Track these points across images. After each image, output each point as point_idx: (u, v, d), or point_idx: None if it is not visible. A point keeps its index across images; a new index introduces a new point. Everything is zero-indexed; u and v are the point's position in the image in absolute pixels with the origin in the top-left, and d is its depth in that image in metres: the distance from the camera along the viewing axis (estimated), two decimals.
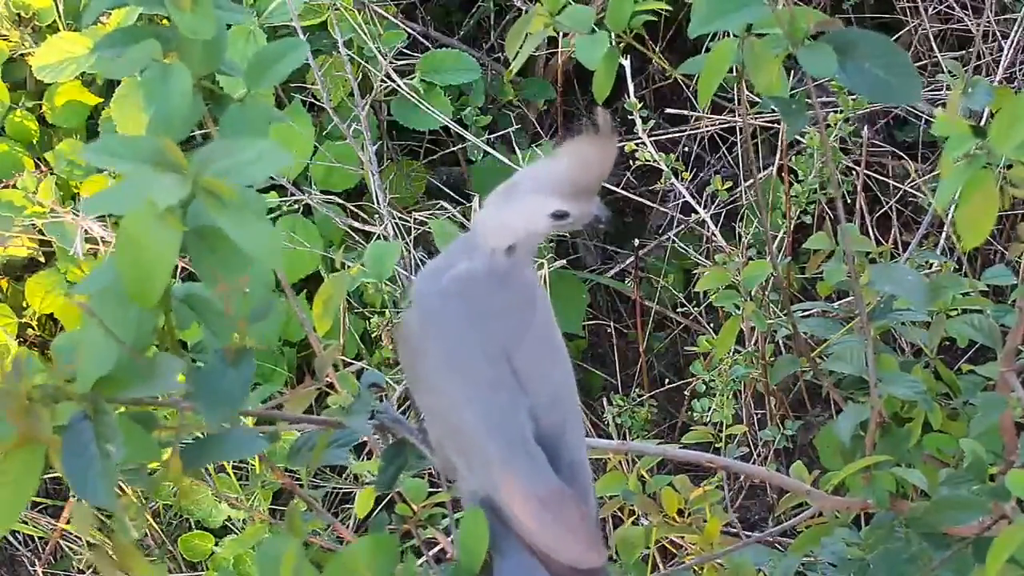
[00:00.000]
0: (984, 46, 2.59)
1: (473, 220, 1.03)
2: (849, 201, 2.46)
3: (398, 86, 2.42)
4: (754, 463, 2.26)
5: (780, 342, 2.36)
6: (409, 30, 2.55)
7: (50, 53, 2.34)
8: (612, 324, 2.70)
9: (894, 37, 2.63)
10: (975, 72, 2.55)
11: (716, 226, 2.31)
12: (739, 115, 2.57)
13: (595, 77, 1.37)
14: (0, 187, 2.33)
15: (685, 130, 2.67)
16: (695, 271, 2.51)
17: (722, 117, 2.62)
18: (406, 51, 2.49)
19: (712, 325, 2.50)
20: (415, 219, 2.31)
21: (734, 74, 1.27)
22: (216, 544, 2.28)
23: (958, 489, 1.27)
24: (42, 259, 2.42)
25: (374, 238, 2.32)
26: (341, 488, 2.36)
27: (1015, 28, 2.47)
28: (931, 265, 2.00)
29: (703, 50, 2.28)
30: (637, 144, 2.19)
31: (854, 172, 2.41)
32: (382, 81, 2.40)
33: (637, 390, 2.50)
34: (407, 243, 2.28)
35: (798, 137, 2.29)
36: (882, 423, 1.39)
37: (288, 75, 1.08)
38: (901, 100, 1.87)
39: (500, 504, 1.01)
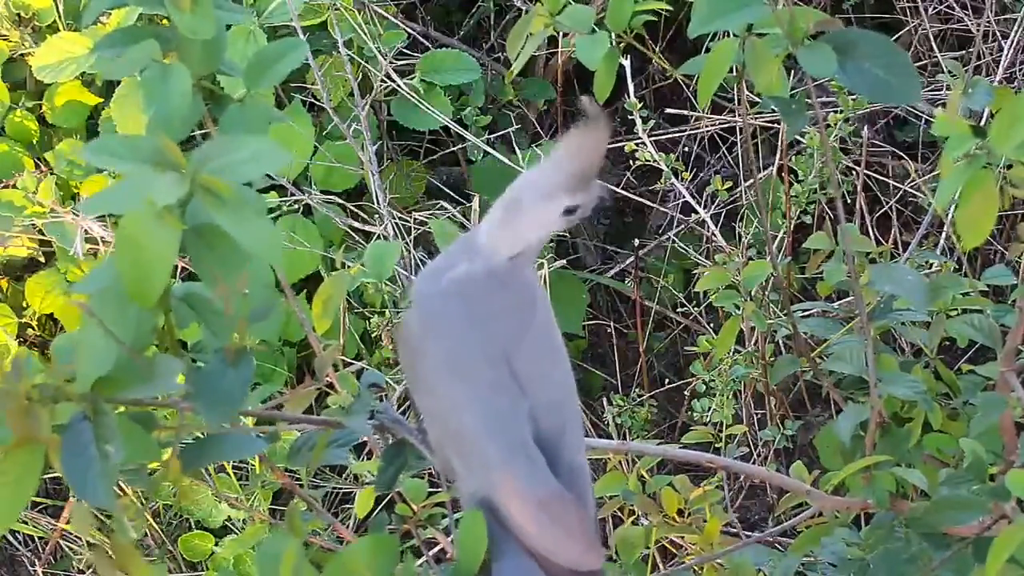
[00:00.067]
0: (984, 46, 2.58)
1: (473, 221, 1.03)
2: (849, 201, 2.46)
3: (398, 86, 2.42)
4: (754, 463, 2.26)
5: (780, 342, 2.36)
6: (409, 30, 2.55)
7: (50, 53, 2.34)
8: (612, 324, 2.70)
9: (894, 37, 2.63)
10: (975, 72, 2.55)
11: (716, 226, 2.31)
12: (739, 115, 2.57)
13: (596, 77, 1.37)
14: (0, 187, 2.33)
15: (685, 130, 2.67)
16: (695, 271, 2.51)
17: (722, 117, 2.62)
18: (406, 51, 2.49)
19: (712, 325, 2.50)
20: (415, 219, 2.31)
21: (734, 74, 1.27)
22: (216, 544, 2.28)
23: (958, 489, 1.27)
24: (42, 259, 2.42)
25: (374, 238, 2.32)
26: (341, 488, 2.36)
27: (1015, 28, 2.47)
28: (931, 265, 1.99)
29: (703, 50, 2.28)
30: (637, 144, 2.19)
31: (854, 172, 2.41)
32: (382, 81, 2.40)
33: (637, 390, 2.50)
34: (407, 243, 2.28)
35: (798, 137, 2.29)
36: (882, 423, 1.38)
37: (288, 75, 1.08)
38: (901, 100, 1.87)
39: (498, 506, 1.01)
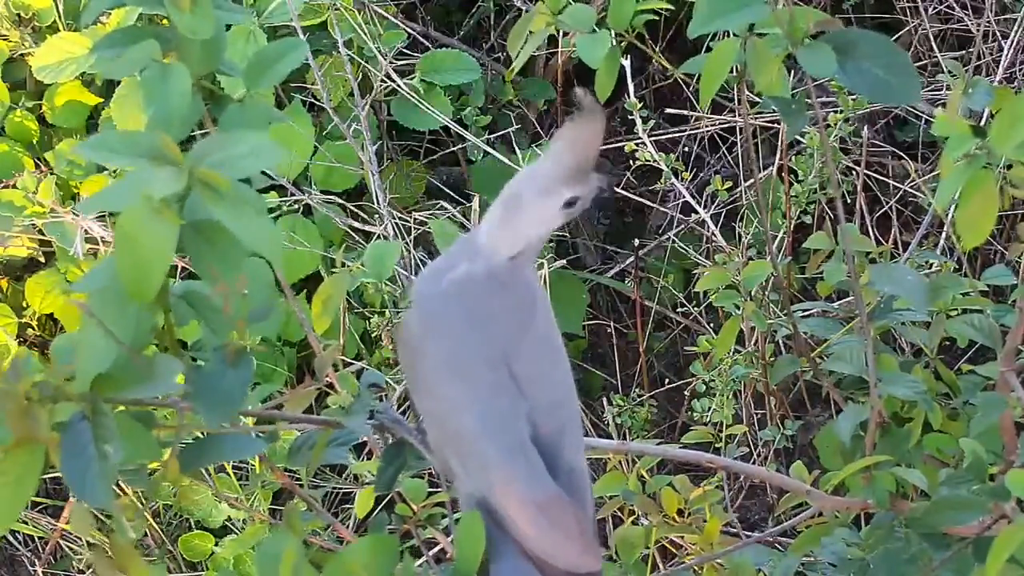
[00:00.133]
0: (984, 46, 2.58)
1: (473, 221, 1.03)
2: (849, 201, 2.46)
3: (398, 86, 2.42)
4: (754, 463, 2.25)
5: (780, 342, 2.36)
6: (409, 30, 2.55)
7: (50, 53, 2.34)
8: (612, 324, 2.70)
9: (894, 37, 2.63)
10: (975, 72, 2.55)
11: (716, 226, 2.31)
12: (739, 115, 2.57)
13: (597, 76, 1.37)
14: (0, 187, 2.33)
15: (685, 130, 2.67)
16: (695, 271, 2.51)
17: (722, 117, 2.62)
18: (406, 51, 2.49)
19: (712, 325, 2.50)
20: (415, 219, 2.31)
21: (734, 74, 1.27)
22: (216, 544, 2.28)
23: (958, 489, 1.27)
24: (42, 259, 2.42)
25: (374, 238, 2.32)
26: (341, 488, 2.36)
27: (1015, 28, 2.47)
28: (931, 265, 1.99)
29: (703, 50, 2.27)
30: (637, 144, 2.19)
31: (854, 172, 2.41)
32: (382, 81, 2.40)
33: (637, 390, 2.50)
34: (407, 243, 2.28)
35: (798, 137, 2.28)
36: (882, 423, 1.38)
37: (288, 75, 1.08)
38: (901, 100, 1.87)
39: (497, 507, 1.01)
